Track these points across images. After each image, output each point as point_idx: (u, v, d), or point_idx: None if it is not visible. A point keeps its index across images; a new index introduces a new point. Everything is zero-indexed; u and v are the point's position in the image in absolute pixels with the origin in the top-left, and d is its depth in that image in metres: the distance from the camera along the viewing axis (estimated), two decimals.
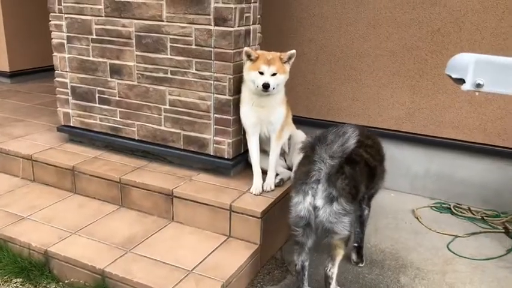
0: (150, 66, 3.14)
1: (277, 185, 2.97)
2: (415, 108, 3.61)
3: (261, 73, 2.69)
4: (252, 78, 2.73)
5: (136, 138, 3.35)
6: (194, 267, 2.49)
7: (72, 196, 3.25)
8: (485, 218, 3.39)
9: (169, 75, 3.09)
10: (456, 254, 2.97)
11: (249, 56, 2.72)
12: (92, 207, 3.11)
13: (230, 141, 3.02)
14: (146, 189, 3.00)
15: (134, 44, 3.15)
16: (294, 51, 2.75)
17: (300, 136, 3.16)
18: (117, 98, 3.33)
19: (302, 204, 2.26)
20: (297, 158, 3.08)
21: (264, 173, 2.98)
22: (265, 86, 2.66)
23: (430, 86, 3.53)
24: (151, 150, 3.31)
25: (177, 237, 2.79)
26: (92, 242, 2.71)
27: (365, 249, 2.89)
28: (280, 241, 3.04)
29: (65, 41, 3.40)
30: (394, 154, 3.55)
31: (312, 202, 2.23)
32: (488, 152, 3.47)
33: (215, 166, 3.13)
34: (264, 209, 2.71)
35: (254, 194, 2.87)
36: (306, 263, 2.44)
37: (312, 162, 2.21)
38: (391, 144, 3.38)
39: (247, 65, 2.76)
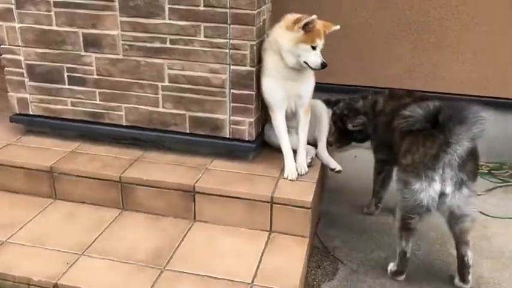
0: (141, 34, 2.53)
1: (308, 166, 2.61)
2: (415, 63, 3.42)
3: (313, 48, 2.27)
4: (299, 51, 2.29)
5: (124, 123, 2.75)
6: (253, 279, 2.09)
7: (54, 203, 2.61)
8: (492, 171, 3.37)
9: (168, 45, 2.52)
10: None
11: (306, 25, 2.22)
12: (85, 215, 2.52)
13: (252, 120, 2.58)
14: (157, 187, 2.48)
15: (117, 7, 2.50)
16: (338, 26, 2.36)
17: (321, 106, 2.80)
18: (96, 77, 2.67)
19: (425, 192, 2.03)
20: (322, 131, 2.77)
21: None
22: (324, 66, 2.26)
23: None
24: (145, 136, 2.75)
25: (211, 241, 2.35)
26: (111, 264, 2.16)
27: None
28: (313, 226, 2.73)
29: (14, 6, 2.62)
30: None
31: (438, 189, 2.02)
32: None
33: (230, 150, 2.68)
34: (312, 197, 2.36)
35: (290, 180, 2.50)
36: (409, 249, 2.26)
37: (445, 144, 1.96)
38: None
39: (297, 35, 2.26)
